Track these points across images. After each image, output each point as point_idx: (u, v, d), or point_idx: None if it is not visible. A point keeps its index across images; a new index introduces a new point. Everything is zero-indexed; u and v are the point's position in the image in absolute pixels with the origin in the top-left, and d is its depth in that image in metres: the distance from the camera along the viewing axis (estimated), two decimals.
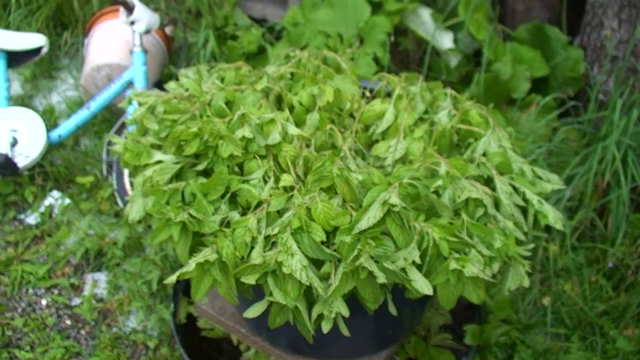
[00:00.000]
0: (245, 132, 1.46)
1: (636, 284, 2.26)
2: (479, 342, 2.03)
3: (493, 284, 1.37)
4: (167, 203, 1.43)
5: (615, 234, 2.32)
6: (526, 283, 1.44)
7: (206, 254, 1.32)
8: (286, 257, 1.28)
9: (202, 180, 1.45)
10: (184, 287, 2.19)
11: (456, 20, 2.94)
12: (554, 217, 1.49)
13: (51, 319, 2.36)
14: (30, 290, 2.47)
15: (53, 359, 2.20)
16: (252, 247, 1.34)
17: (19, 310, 2.40)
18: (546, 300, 2.21)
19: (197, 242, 1.42)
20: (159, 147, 1.60)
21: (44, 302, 2.43)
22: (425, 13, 2.97)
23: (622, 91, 2.54)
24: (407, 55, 3.19)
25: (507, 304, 2.11)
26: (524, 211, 1.51)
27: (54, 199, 2.80)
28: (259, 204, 1.40)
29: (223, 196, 1.43)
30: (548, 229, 2.35)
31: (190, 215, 1.37)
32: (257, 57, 3.28)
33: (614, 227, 2.32)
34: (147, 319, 2.32)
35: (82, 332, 2.34)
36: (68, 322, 2.37)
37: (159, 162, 1.54)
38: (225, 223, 1.41)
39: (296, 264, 1.27)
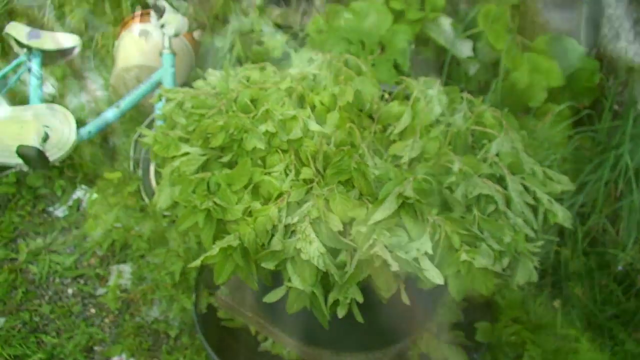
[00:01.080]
0: (269, 127, 1.53)
1: None
2: (490, 340, 2.07)
3: (505, 284, 1.41)
4: (194, 192, 1.49)
5: (626, 240, 2.35)
6: (534, 278, 1.47)
7: (229, 240, 1.38)
8: (305, 244, 1.33)
9: (227, 171, 1.51)
10: (205, 279, 2.25)
11: (476, 30, 2.99)
12: (563, 216, 1.53)
13: (77, 307, 2.45)
14: (58, 280, 2.56)
15: (78, 345, 2.29)
16: (273, 235, 1.39)
17: (46, 298, 2.49)
18: (557, 303, 2.25)
19: (221, 229, 1.48)
20: (186, 140, 1.67)
21: (70, 291, 2.52)
22: (446, 22, 3.03)
23: (637, 102, 2.58)
24: (427, 64, 3.25)
25: (518, 303, 2.15)
26: (534, 210, 1.55)
27: (83, 192, 2.90)
28: (280, 194, 1.45)
29: (246, 187, 1.48)
30: (561, 234, 2.39)
31: (215, 203, 1.43)
32: (281, 63, 3.35)
33: (626, 233, 2.35)
34: (169, 309, 2.40)
35: (106, 320, 2.42)
36: (93, 310, 2.45)
37: (186, 153, 1.60)
38: (248, 212, 1.46)
39: (314, 251, 1.32)
